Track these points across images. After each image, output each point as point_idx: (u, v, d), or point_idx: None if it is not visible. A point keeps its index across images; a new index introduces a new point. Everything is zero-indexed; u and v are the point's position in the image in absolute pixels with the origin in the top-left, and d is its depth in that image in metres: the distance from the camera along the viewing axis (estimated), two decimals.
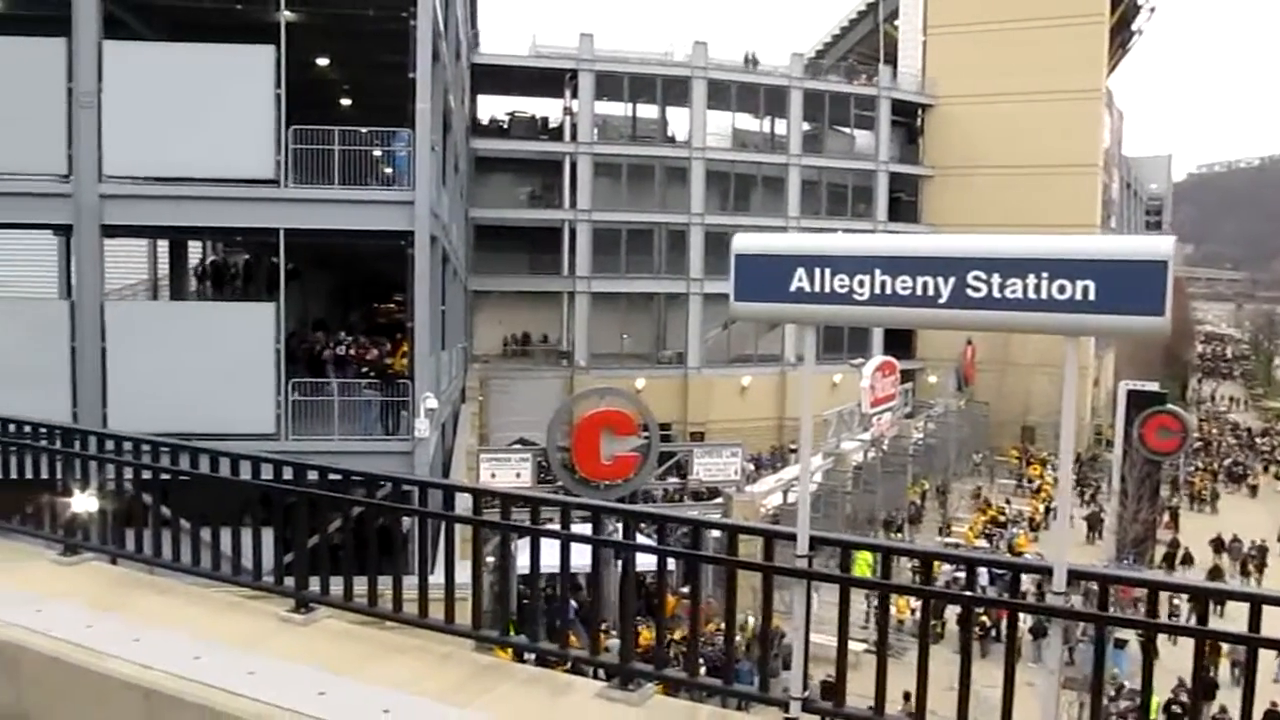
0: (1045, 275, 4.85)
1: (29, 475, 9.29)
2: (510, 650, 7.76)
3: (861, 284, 5.21)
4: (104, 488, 8.95)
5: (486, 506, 6.89)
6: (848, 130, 66.73)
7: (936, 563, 6.60)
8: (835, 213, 63.40)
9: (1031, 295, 4.88)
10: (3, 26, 22.48)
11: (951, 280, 5.02)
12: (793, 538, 5.77)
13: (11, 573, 8.61)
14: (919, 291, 5.09)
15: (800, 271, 5.35)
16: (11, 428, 9.47)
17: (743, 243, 5.60)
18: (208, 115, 20.50)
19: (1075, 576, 5.31)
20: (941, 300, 5.06)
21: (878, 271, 5.17)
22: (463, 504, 7.31)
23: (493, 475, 32.47)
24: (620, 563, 6.37)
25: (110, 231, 21.60)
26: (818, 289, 5.31)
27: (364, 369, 23.28)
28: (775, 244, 5.58)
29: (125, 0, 21.60)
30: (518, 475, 33.19)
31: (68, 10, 20.24)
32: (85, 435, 9.07)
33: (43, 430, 9.32)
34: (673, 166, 59.20)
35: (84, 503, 8.91)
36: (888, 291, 5.17)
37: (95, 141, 20.37)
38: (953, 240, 5.08)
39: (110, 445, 8.93)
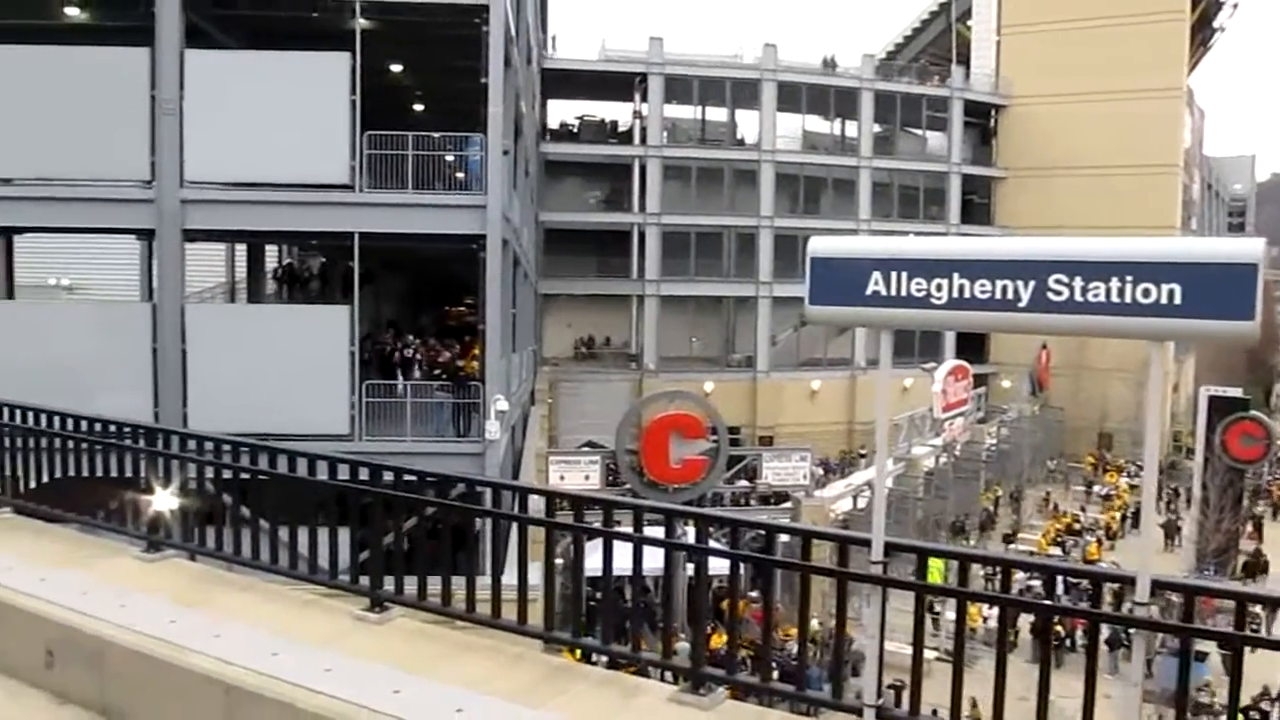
0: (1129, 278, 4.73)
1: (114, 473, 9.54)
2: (578, 652, 7.78)
3: (939, 287, 5.13)
4: (185, 486, 9.16)
5: (558, 509, 6.93)
6: (920, 132, 66.01)
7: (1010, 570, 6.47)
8: (907, 215, 62.75)
9: (1115, 299, 4.77)
10: (90, 37, 23.14)
11: (1032, 284, 4.91)
12: (867, 543, 5.71)
13: (97, 568, 8.84)
14: (998, 295, 4.99)
15: (876, 275, 5.29)
16: (98, 427, 9.73)
17: (818, 245, 5.55)
18: (285, 121, 20.89)
19: (1160, 587, 5.18)
20: (1021, 304, 4.96)
21: (956, 275, 5.09)
22: (534, 506, 7.36)
23: (561, 477, 32.66)
24: (691, 566, 6.35)
25: (191, 236, 22.11)
26: (894, 292, 5.25)
27: (435, 371, 23.58)
28: (851, 247, 5.52)
29: (206, 10, 22.09)
30: (586, 478, 33.35)
31: (151, 21, 20.78)
32: (168, 435, 9.28)
33: (127, 430, 9.57)
34: (742, 169, 59.04)
35: (166, 501, 9.12)
36: (966, 295, 5.08)
37: (177, 148, 20.87)
38: (1033, 243, 4.99)
39: (192, 445, 9.14)
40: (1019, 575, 5.93)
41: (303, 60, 21.19)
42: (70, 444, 9.94)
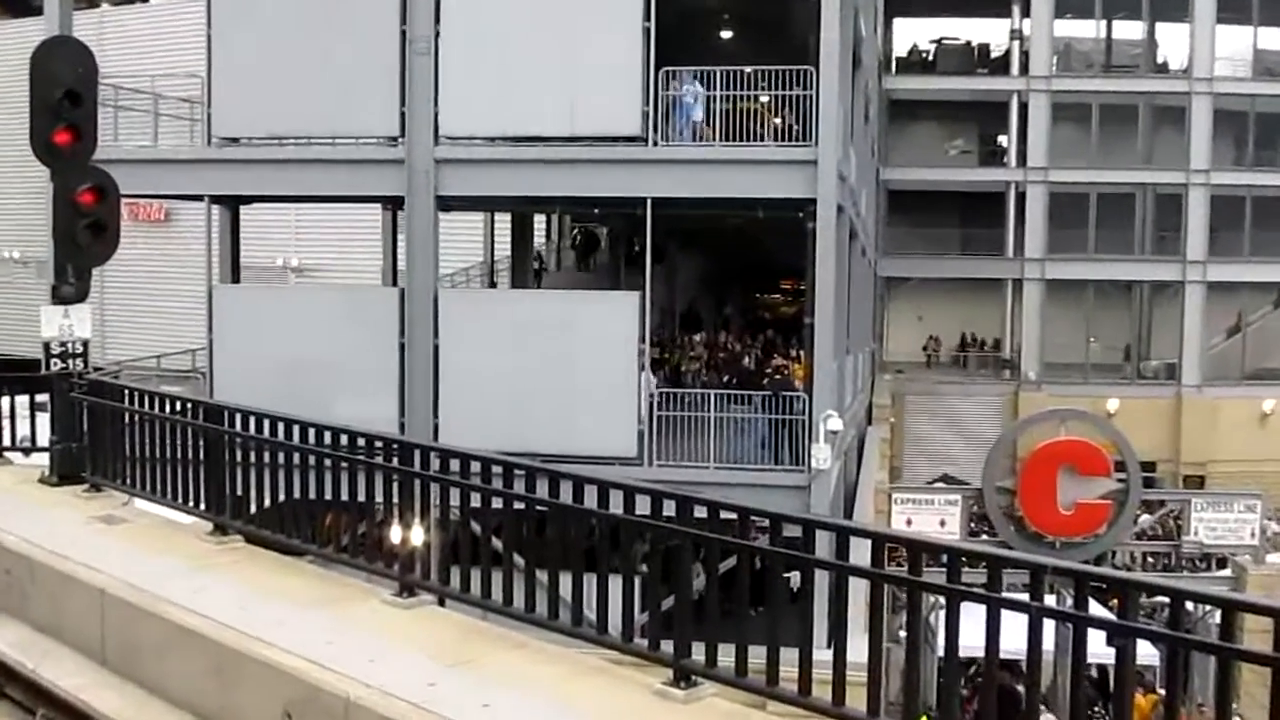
0: None
1: (359, 497, 10.18)
2: None
3: None
4: (446, 517, 9.65)
5: (928, 567, 6.85)
6: None
7: None
8: None
9: None
10: None
11: None
12: None
13: (342, 613, 9.49)
14: None
15: None
16: (343, 440, 10.38)
17: None
18: (561, 59, 21.73)
19: None
20: None
21: None
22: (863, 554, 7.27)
23: (908, 521, 32.14)
24: (1117, 653, 6.11)
25: (446, 204, 23.36)
26: None
27: (726, 378, 23.73)
28: None
29: None
30: (941, 523, 32.67)
31: None
32: (426, 452, 9.80)
33: (377, 444, 10.17)
34: (1164, 105, 56.34)
35: (422, 534, 9.64)
36: None
37: (431, 96, 22.13)
38: None
39: (453, 465, 9.58)
40: None
41: None
42: (308, 459, 10.68)
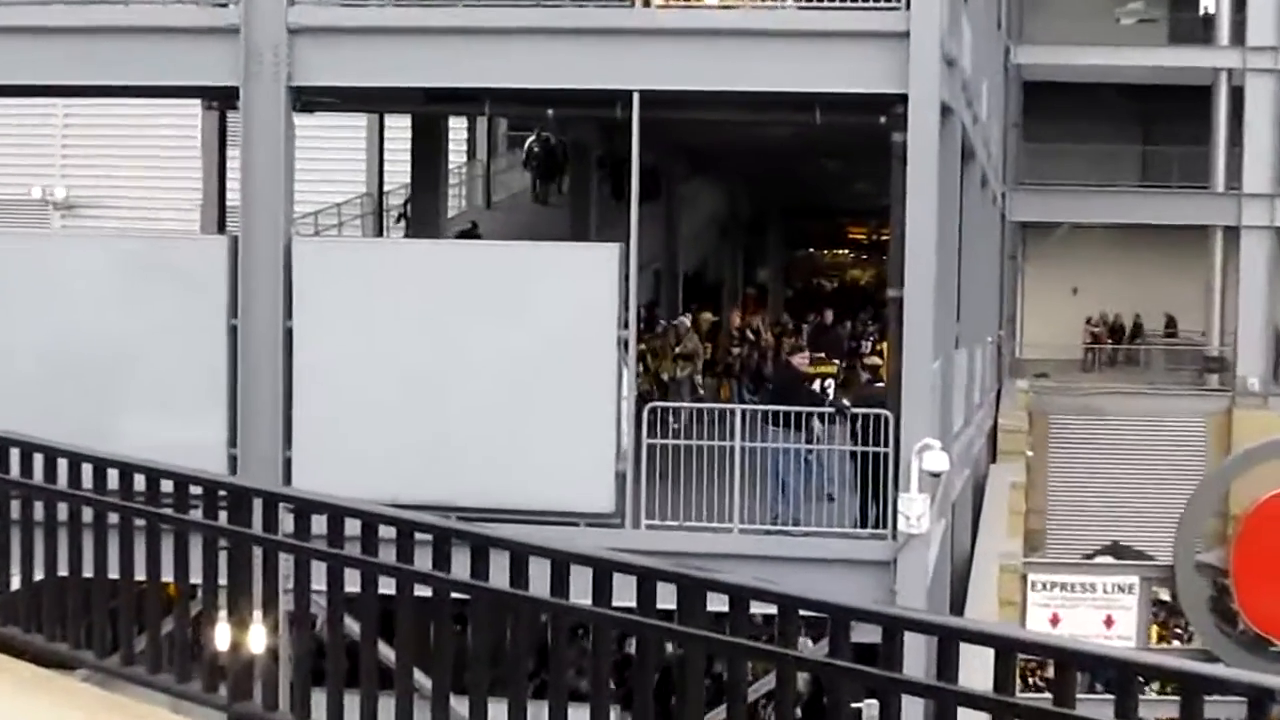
0: None
1: (163, 573, 10.15)
2: None
3: None
4: (307, 608, 9.63)
5: (1086, 693, 6.83)
6: None
7: None
8: None
9: None
10: None
11: None
12: None
13: None
14: None
15: None
16: (139, 482, 10.33)
17: None
18: None
19: None
20: None
21: None
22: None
23: (1054, 619, 32.37)
24: None
25: (306, 99, 23.37)
26: None
27: (757, 379, 23.87)
28: None
29: None
30: (1108, 621, 32.88)
31: None
32: (273, 501, 9.76)
33: (195, 490, 10.13)
34: None
35: (267, 636, 9.63)
36: None
37: None
38: None
39: (319, 524, 9.55)
40: None
41: None
42: (82, 514, 10.62)
